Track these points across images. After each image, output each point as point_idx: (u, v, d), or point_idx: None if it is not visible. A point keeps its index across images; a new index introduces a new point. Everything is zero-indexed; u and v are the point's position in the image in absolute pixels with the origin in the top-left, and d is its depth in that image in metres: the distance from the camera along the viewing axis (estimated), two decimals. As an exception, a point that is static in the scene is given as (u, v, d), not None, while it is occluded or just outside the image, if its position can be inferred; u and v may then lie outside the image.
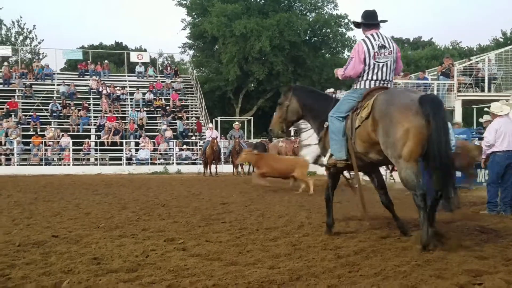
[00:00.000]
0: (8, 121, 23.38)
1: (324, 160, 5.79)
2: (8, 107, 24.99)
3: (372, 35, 5.50)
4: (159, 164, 22.68)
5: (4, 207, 8.72)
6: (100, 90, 27.75)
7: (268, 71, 32.84)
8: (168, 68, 32.64)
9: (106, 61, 31.59)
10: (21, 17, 41.77)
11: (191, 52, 38.14)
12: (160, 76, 30.79)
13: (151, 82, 29.35)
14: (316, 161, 12.27)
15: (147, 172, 21.15)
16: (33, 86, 27.28)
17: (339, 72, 5.77)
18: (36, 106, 25.87)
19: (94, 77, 28.98)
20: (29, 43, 42.13)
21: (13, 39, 41.68)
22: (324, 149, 5.83)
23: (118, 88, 28.52)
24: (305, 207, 8.34)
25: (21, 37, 42.19)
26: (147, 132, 24.86)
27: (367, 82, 5.45)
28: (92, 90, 28.01)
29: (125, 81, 30.29)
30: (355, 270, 4.08)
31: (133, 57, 31.76)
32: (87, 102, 26.95)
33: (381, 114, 4.88)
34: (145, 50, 39.49)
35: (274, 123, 6.51)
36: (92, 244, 5.30)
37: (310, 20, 34.79)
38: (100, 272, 4.09)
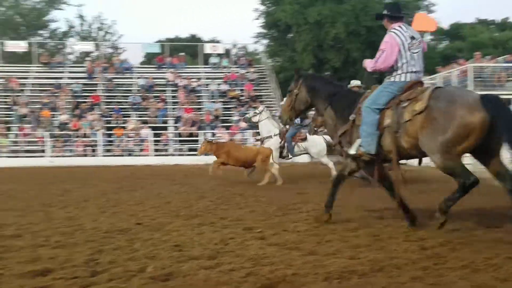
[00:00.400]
0: (92, 114, 24.72)
1: (352, 150, 5.59)
2: (92, 100, 26.39)
3: (400, 26, 5.48)
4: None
5: (91, 196, 9.24)
6: (177, 82, 28.59)
7: (344, 58, 32.29)
8: (242, 58, 32.97)
9: (182, 54, 32.41)
10: (101, 13, 44.02)
11: (265, 41, 38.27)
12: (235, 67, 31.18)
13: (226, 73, 29.82)
14: (281, 154, 12.02)
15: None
16: (114, 80, 28.61)
17: (369, 64, 5.71)
18: (118, 99, 27.13)
19: (171, 69, 29.87)
20: (110, 38, 44.26)
21: (94, 34, 43.95)
22: (349, 142, 5.66)
23: (193, 79, 29.24)
24: (382, 198, 8.14)
25: (102, 33, 44.41)
26: (223, 123, 25.34)
27: (407, 75, 5.39)
28: (169, 82, 28.92)
29: (200, 72, 30.97)
30: (442, 262, 3.94)
31: (208, 49, 32.38)
32: (165, 94, 27.89)
33: (440, 111, 4.84)
34: (218, 42, 40.12)
35: (283, 111, 6.57)
36: (173, 231, 5.50)
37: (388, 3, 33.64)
38: (182, 258, 4.24)
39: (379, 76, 5.90)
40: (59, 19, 43.83)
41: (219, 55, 31.97)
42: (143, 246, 4.77)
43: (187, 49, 34.80)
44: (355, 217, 6.34)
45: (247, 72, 30.24)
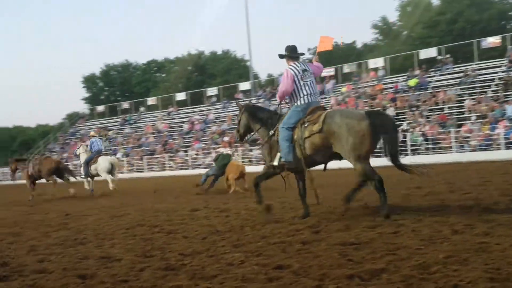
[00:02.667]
0: None
1: (275, 161, 7.75)
2: None
3: (295, 63, 7.73)
4: None
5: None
6: None
7: None
8: None
9: None
10: None
11: None
12: None
13: None
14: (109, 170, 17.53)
15: None
16: None
17: (277, 95, 8.04)
18: None
19: None
20: None
21: None
22: (267, 154, 8.02)
23: None
24: None
25: None
26: None
27: (305, 97, 7.57)
28: None
29: None
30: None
31: None
32: None
33: (336, 126, 6.95)
34: None
35: (236, 132, 9.05)
36: None
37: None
38: None
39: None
40: None
41: None
42: None
43: None
44: None
45: None
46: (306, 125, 7.37)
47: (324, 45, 8.82)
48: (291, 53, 7.93)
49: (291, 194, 11.94)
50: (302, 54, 8.03)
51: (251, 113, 8.53)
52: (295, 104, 7.66)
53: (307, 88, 7.60)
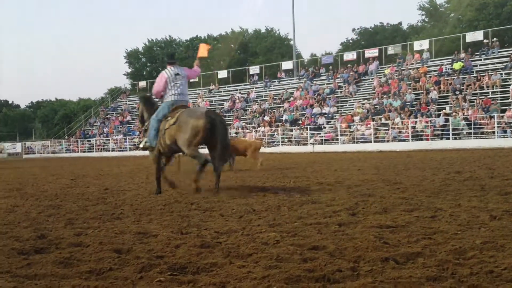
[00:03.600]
0: None
1: (141, 145, 9.91)
2: None
3: (170, 67, 9.59)
4: None
5: None
6: None
7: None
8: None
9: None
10: None
11: None
12: None
13: None
14: None
15: None
16: None
17: (153, 92, 10.05)
18: None
19: None
20: None
21: None
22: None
23: None
24: None
25: None
26: None
27: (172, 96, 9.46)
28: None
29: None
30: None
31: None
32: None
33: (183, 122, 8.77)
34: None
35: (138, 120, 11.24)
36: None
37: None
38: None
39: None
40: None
41: None
42: None
43: None
44: None
45: None
46: (168, 119, 9.17)
47: (202, 52, 10.74)
48: (169, 59, 9.96)
49: (329, 175, 12.16)
50: (174, 61, 9.81)
51: (145, 104, 10.43)
52: (164, 101, 9.60)
53: (176, 88, 9.51)
